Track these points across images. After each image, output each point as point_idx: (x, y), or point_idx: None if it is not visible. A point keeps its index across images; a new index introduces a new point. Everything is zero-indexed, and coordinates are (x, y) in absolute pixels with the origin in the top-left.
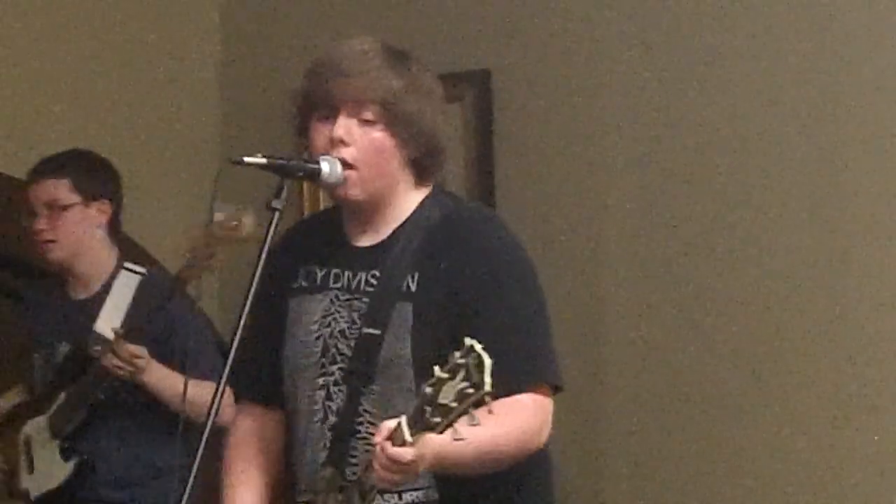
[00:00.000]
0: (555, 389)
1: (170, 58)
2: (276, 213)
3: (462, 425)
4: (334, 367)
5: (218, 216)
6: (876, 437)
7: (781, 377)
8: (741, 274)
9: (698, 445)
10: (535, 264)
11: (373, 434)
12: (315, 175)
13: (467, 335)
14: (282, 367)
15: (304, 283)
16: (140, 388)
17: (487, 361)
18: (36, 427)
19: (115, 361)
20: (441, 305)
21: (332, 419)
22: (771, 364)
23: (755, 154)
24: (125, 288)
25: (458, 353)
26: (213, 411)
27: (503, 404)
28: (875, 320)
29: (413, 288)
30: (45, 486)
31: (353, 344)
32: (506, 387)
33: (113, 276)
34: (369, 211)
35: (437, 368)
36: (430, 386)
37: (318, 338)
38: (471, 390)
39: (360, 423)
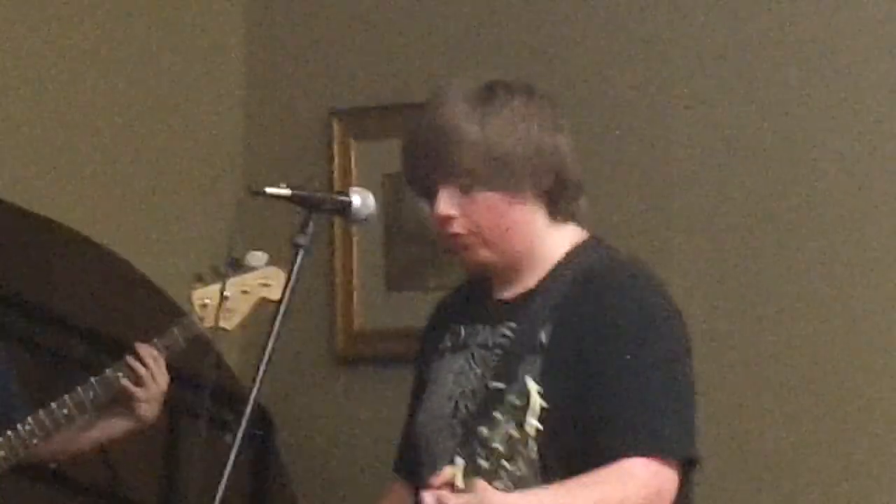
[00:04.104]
0: (689, 463)
1: (191, 77)
2: (301, 251)
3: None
4: (462, 430)
5: (250, 270)
6: None
7: (865, 383)
8: (819, 269)
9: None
10: (683, 330)
11: None
12: (345, 208)
13: (589, 395)
14: (416, 436)
15: (448, 344)
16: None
17: (535, 400)
18: None
19: (139, 369)
20: (571, 361)
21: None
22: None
23: (837, 139)
24: None
25: (513, 395)
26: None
27: (605, 470)
28: None
29: (545, 341)
30: None
31: (479, 401)
32: (609, 451)
33: None
34: (514, 263)
35: (495, 411)
36: (487, 427)
37: (449, 398)
38: (515, 433)
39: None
